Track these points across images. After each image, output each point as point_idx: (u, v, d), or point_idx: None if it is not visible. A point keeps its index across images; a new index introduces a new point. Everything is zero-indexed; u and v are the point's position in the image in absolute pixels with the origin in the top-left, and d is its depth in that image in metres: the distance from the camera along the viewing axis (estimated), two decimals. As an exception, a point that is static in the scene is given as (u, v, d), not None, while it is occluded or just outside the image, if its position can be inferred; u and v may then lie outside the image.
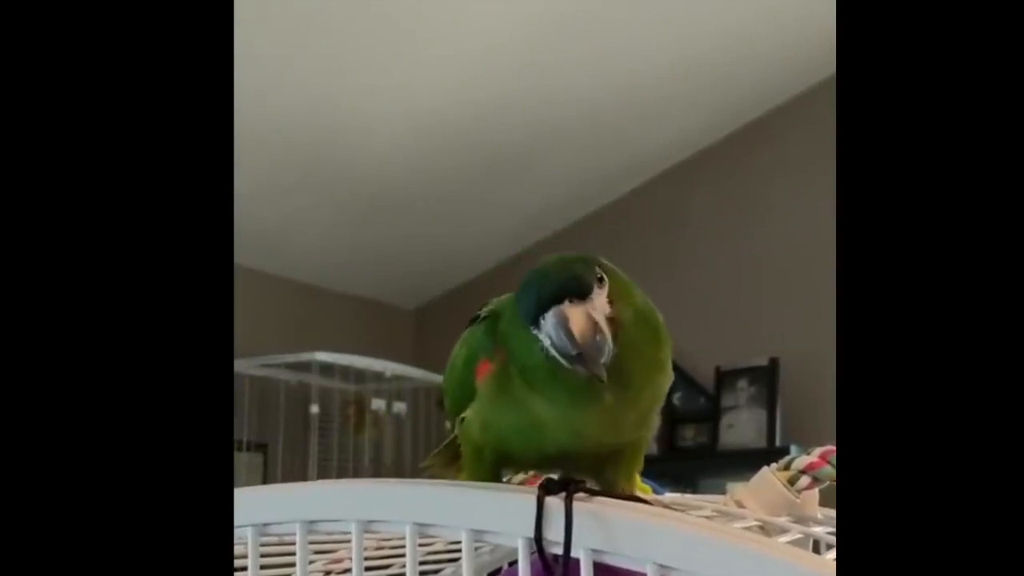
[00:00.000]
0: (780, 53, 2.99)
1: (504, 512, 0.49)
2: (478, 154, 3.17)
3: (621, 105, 3.08)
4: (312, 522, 0.54)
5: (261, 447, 3.32)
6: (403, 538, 0.51)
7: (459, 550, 0.54)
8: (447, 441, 0.74)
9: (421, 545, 0.68)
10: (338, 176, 3.16)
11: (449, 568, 0.80)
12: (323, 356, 3.16)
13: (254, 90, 2.64)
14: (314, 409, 3.26)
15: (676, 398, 3.18)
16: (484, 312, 0.64)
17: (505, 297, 0.62)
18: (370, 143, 3.05)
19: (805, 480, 0.67)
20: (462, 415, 0.63)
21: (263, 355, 3.14)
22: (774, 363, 3.05)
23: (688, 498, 0.71)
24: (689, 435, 3.20)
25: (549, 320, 0.53)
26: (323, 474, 3.26)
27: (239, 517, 0.53)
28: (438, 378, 0.79)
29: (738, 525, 0.60)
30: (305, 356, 3.15)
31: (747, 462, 0.94)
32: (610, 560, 0.46)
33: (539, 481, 0.51)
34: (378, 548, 0.72)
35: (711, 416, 3.14)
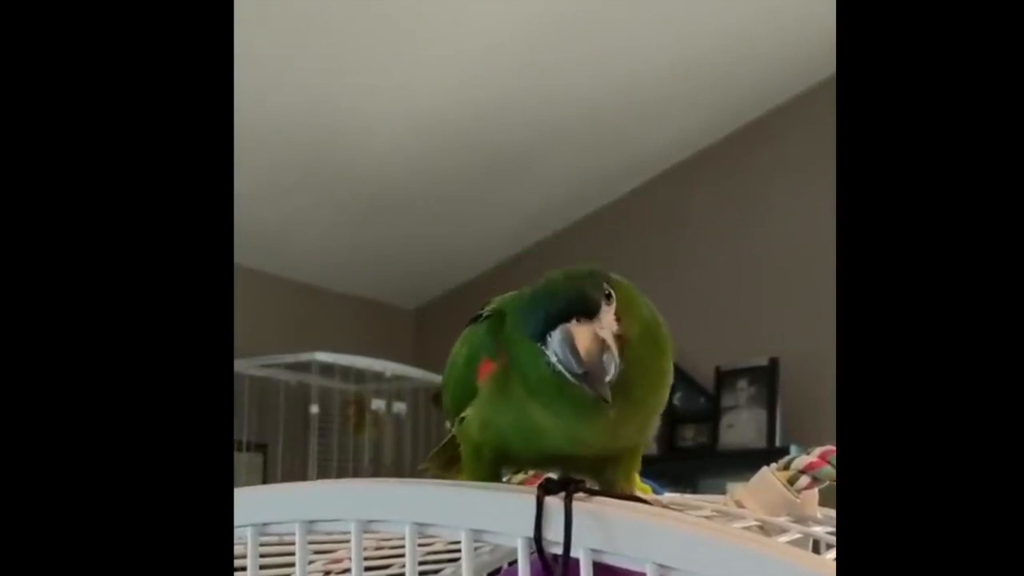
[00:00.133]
0: (780, 53, 2.99)
1: (504, 512, 0.49)
2: (478, 154, 3.17)
3: (621, 105, 3.08)
4: (312, 522, 0.54)
5: (261, 447, 3.32)
6: (403, 538, 0.51)
7: (459, 550, 0.54)
8: (444, 442, 0.74)
9: (421, 545, 0.68)
10: (338, 176, 3.16)
11: (449, 568, 0.80)
12: (323, 356, 3.16)
13: (254, 90, 2.64)
14: (314, 409, 3.26)
15: (676, 398, 3.17)
16: (486, 311, 0.63)
17: (508, 296, 0.62)
18: (370, 143, 3.05)
19: (805, 480, 0.67)
20: (462, 414, 0.63)
21: (263, 355, 3.14)
22: (774, 363, 3.05)
23: (688, 498, 0.71)
24: (689, 435, 3.20)
25: (556, 338, 0.53)
26: (323, 474, 3.26)
27: (239, 517, 0.53)
28: (438, 378, 0.78)
29: (738, 525, 0.60)
30: (305, 356, 3.15)
31: (747, 462, 0.94)
32: (610, 560, 0.46)
33: (539, 481, 0.51)
34: (378, 548, 0.72)
35: (711, 416, 3.15)
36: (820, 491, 0.68)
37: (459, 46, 2.74)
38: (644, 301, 0.58)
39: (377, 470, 3.40)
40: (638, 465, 0.64)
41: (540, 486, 0.48)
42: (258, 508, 0.55)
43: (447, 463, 0.74)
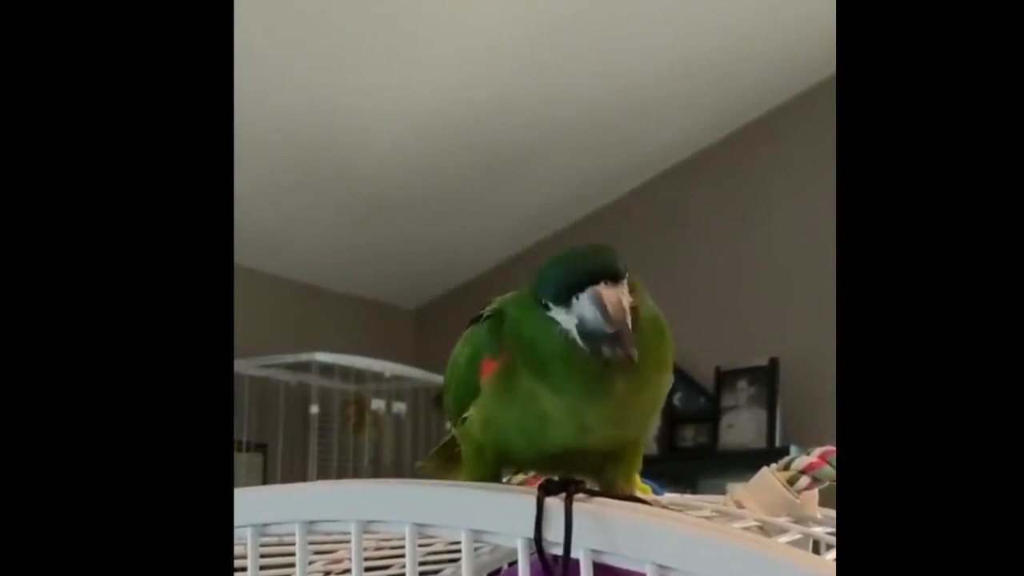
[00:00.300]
0: (780, 53, 2.99)
1: (504, 512, 0.49)
2: (478, 154, 3.17)
3: (621, 105, 3.08)
4: (312, 522, 0.54)
5: (261, 447, 3.32)
6: (403, 538, 0.51)
7: (459, 550, 0.54)
8: (444, 441, 0.74)
9: (421, 545, 0.68)
10: (338, 176, 3.16)
11: (449, 568, 0.80)
12: (323, 356, 3.16)
13: (254, 90, 2.64)
14: (314, 409, 3.26)
15: (676, 398, 3.17)
16: (487, 311, 0.64)
17: (509, 296, 0.62)
18: (370, 143, 3.05)
19: (805, 480, 0.67)
20: (464, 414, 0.63)
21: (263, 355, 3.14)
22: (774, 363, 3.05)
23: (688, 498, 0.71)
24: (689, 435, 3.20)
25: (585, 300, 0.53)
26: (323, 474, 3.26)
27: (239, 518, 0.53)
28: (438, 378, 0.79)
29: (737, 525, 0.60)
30: (305, 356, 3.15)
31: (747, 462, 0.94)
32: (609, 560, 0.46)
33: (539, 481, 0.51)
34: (378, 548, 0.72)
35: (711, 416, 3.14)
36: (820, 491, 0.68)
37: (459, 46, 2.74)
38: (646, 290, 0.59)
39: (377, 470, 3.40)
40: (638, 466, 0.64)
41: (540, 487, 0.48)
42: (258, 508, 0.55)
43: (445, 463, 0.74)
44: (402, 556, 0.54)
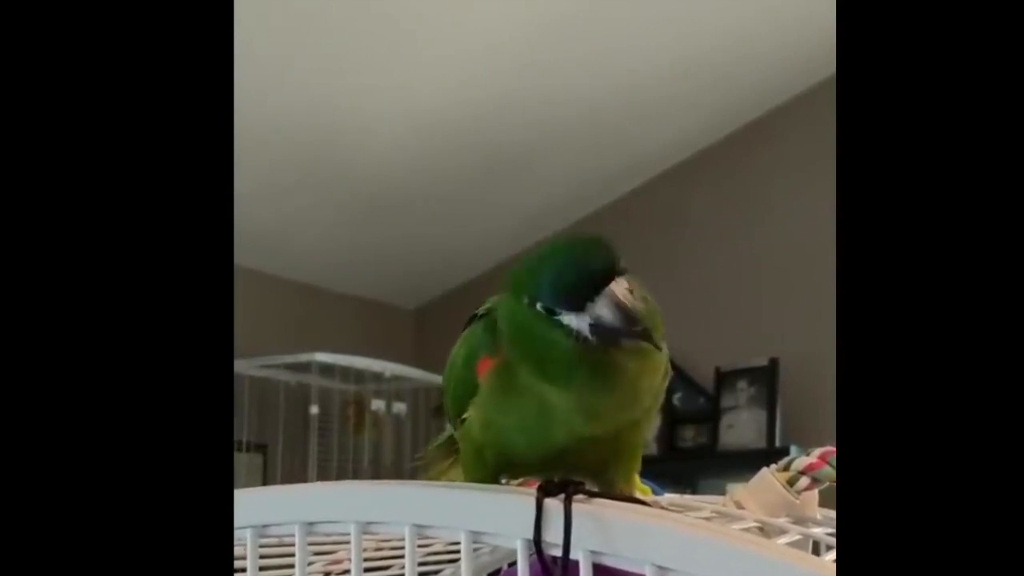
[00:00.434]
0: (780, 53, 2.99)
1: (503, 513, 0.49)
2: (478, 154, 3.17)
3: (621, 105, 3.08)
4: (311, 523, 0.54)
5: (261, 448, 3.32)
6: (402, 539, 0.51)
7: (458, 551, 0.54)
8: (446, 435, 0.74)
9: (420, 546, 0.68)
10: (338, 176, 3.16)
11: (448, 569, 0.80)
12: (323, 356, 3.16)
13: (254, 90, 2.64)
14: (314, 410, 3.26)
15: (676, 398, 3.17)
16: (482, 311, 0.64)
17: (497, 298, 0.62)
18: (370, 143, 3.05)
19: (805, 481, 0.67)
20: (463, 416, 0.63)
21: (263, 355, 3.14)
22: (774, 363, 3.05)
23: (687, 499, 0.71)
24: (689, 435, 3.20)
25: (602, 305, 0.53)
26: (323, 475, 3.26)
27: (238, 518, 0.53)
28: (438, 378, 0.78)
29: (737, 526, 0.60)
30: (305, 356, 3.15)
31: (747, 463, 0.94)
32: (609, 561, 0.46)
33: (538, 483, 0.51)
34: (377, 549, 0.72)
35: (711, 416, 3.14)
36: (820, 492, 0.68)
37: (459, 46, 2.74)
38: None
39: (377, 470, 3.40)
40: (638, 466, 0.64)
41: (539, 488, 0.48)
42: (258, 509, 0.55)
43: (446, 456, 0.74)
44: (402, 557, 0.54)
